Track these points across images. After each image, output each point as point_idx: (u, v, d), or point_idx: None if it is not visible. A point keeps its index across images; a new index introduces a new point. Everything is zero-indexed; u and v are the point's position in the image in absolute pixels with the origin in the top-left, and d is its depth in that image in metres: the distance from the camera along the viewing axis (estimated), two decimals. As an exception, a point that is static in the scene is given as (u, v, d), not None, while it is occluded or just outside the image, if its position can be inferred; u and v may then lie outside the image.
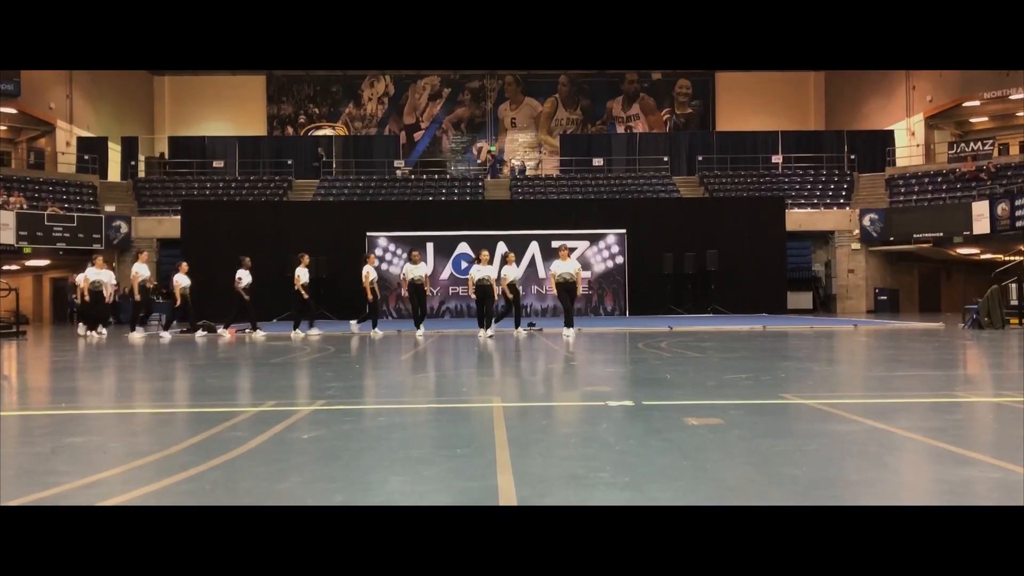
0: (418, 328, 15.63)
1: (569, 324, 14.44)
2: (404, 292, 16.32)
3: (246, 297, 16.32)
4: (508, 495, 3.17)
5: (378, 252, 23.71)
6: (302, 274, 16.35)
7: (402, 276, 16.07)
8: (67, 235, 26.34)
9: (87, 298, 17.35)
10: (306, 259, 16.75)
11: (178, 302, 16.34)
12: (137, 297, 16.93)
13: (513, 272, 15.61)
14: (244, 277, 16.39)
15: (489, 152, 37.01)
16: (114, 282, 18.32)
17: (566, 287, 14.68)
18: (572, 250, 15.36)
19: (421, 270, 15.90)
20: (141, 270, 16.93)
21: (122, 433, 4.94)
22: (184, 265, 16.82)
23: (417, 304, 15.82)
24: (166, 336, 16.33)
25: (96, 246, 26.97)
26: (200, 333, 16.37)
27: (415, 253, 16.38)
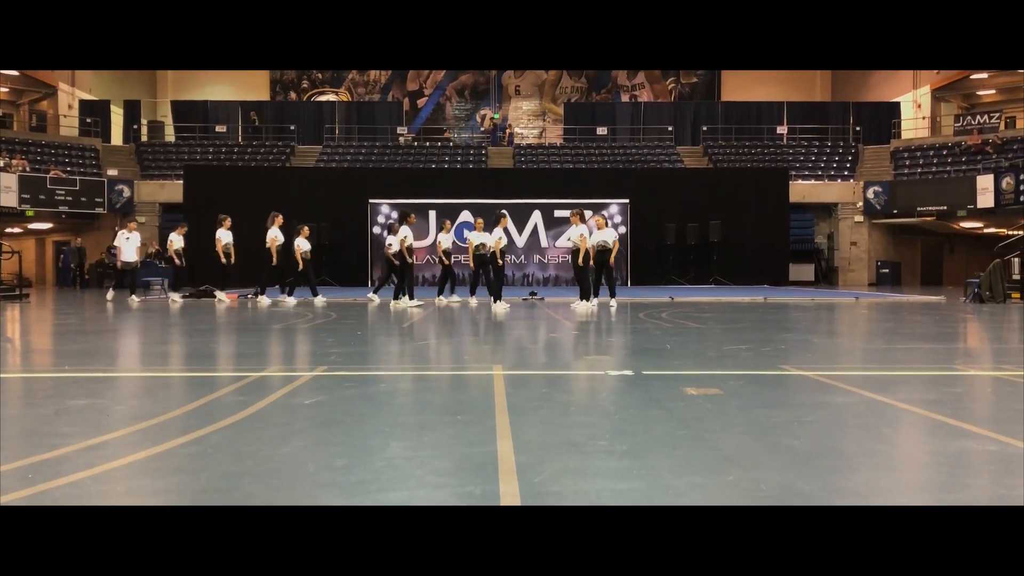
0: (497, 300, 14.19)
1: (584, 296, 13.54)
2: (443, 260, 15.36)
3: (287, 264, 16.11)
4: (507, 461, 3.21)
5: (380, 219, 23.70)
6: (302, 244, 16.03)
7: (452, 244, 15.11)
8: (69, 198, 26.31)
9: (179, 262, 17.25)
10: (306, 230, 16.28)
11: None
12: (177, 262, 17.29)
13: (480, 237, 14.43)
14: (302, 244, 15.98)
15: (492, 120, 36.80)
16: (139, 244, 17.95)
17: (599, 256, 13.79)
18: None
19: (489, 237, 14.29)
20: (176, 240, 17.30)
21: (125, 396, 4.97)
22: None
23: (492, 273, 14.34)
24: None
25: (98, 210, 26.98)
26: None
27: (479, 221, 14.79)
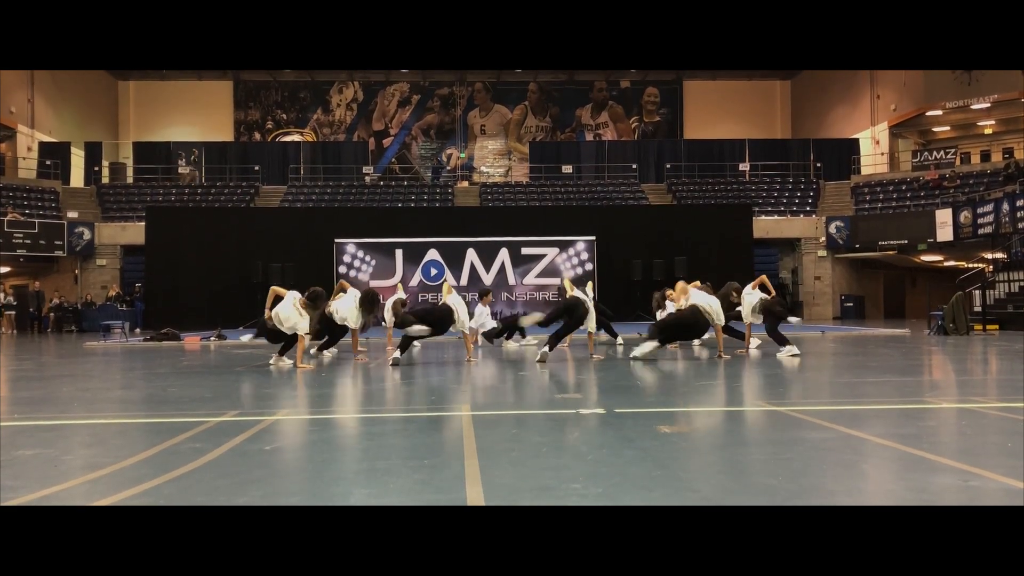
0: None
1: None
2: None
3: None
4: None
5: (346, 259, 23.47)
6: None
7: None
8: (28, 242, 25.77)
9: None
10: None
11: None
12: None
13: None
14: None
15: (460, 158, 36.87)
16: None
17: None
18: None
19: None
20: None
21: (76, 445, 4.75)
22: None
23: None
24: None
25: (58, 253, 26.47)
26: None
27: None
